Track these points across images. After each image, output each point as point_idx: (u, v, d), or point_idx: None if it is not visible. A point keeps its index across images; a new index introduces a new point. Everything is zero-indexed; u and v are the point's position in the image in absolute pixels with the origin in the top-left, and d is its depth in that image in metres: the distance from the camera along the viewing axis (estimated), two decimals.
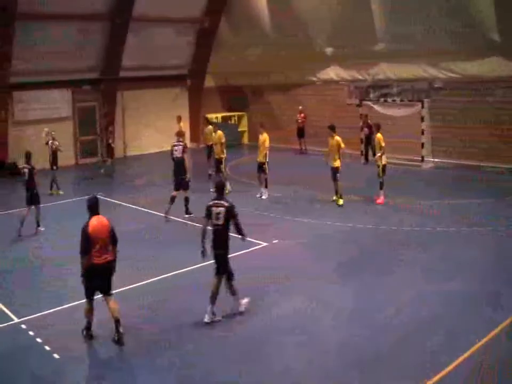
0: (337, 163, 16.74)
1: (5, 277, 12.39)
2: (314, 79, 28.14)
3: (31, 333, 9.60)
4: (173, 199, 16.69)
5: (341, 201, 17.01)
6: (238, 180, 21.72)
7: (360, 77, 26.28)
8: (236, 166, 25.07)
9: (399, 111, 23.35)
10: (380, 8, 23.66)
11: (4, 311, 10.48)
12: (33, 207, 15.75)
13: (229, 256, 9.87)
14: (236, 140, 31.14)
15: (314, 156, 25.55)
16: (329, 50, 26.59)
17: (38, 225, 15.99)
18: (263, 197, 18.54)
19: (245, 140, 32.16)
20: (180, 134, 17.74)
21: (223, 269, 9.76)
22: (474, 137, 21.76)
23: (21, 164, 24.62)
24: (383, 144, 16.91)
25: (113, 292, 9.43)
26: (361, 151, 24.67)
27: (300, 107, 27.34)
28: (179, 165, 16.76)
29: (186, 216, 16.79)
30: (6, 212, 18.20)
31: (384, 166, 17.03)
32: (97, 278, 9.16)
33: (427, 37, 21.99)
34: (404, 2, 22.45)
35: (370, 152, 24.03)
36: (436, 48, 22.05)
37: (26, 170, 15.79)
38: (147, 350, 8.96)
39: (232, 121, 31.89)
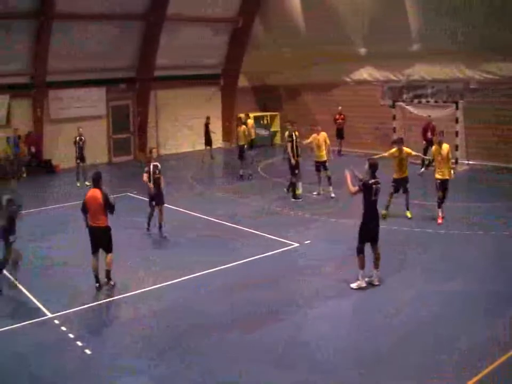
0: (407, 173, 15.93)
1: (38, 273, 12.55)
2: (347, 79, 27.98)
3: (63, 328, 9.73)
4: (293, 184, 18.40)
5: (409, 214, 16.00)
6: (271, 180, 21.94)
7: (394, 78, 26.03)
8: (270, 166, 25.14)
9: (432, 112, 23.09)
10: (415, 8, 23.40)
11: (38, 306, 10.65)
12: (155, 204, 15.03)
13: None
14: (268, 140, 31.28)
15: (350, 156, 25.42)
16: (363, 50, 26.41)
17: (160, 229, 14.98)
18: (332, 195, 18.43)
19: (278, 140, 32.12)
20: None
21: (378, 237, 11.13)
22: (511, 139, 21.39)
23: (56, 161, 25.45)
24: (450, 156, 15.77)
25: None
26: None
27: (339, 107, 26.79)
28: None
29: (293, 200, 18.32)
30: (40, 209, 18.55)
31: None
32: (94, 237, 11.28)
33: (463, 38, 21.63)
34: (439, 3, 22.16)
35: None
36: (472, 48, 21.73)
37: (155, 169, 15.03)
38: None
39: (265, 121, 31.90)
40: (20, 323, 9.88)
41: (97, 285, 11.30)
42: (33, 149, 24.90)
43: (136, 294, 11.19)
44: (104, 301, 10.88)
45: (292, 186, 18.56)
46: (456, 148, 22.35)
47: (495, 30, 20.75)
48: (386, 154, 16.17)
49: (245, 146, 22.25)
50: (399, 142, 16.03)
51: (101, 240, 11.28)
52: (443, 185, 15.31)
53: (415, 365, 8.23)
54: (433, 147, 15.89)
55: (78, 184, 21.98)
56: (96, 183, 11.37)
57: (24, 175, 24.21)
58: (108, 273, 11.44)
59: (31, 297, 11.07)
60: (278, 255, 13.34)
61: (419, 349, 8.64)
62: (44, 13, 23.17)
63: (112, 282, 11.45)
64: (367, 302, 10.53)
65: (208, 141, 26.86)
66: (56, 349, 9.10)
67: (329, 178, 18.52)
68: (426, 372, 8.00)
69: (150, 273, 12.16)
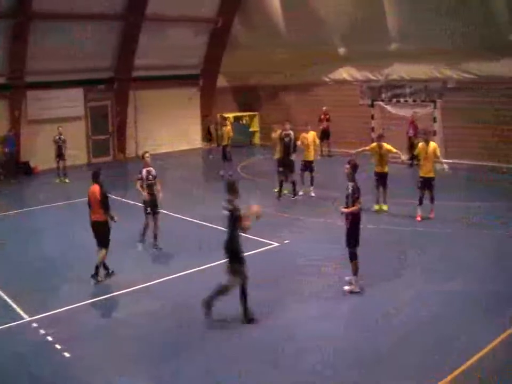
0: (387, 168, 16.31)
1: (15, 275, 12.38)
2: (326, 79, 28.02)
3: (42, 331, 9.61)
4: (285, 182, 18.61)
5: (385, 207, 16.47)
6: (252, 179, 21.89)
7: (373, 77, 26.14)
8: (249, 166, 25.07)
9: (411, 111, 23.25)
10: (393, 8, 23.50)
11: (15, 310, 10.50)
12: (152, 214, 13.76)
13: None
14: (247, 140, 31.21)
15: (335, 157, 25.42)
16: (342, 50, 26.48)
17: (155, 240, 13.80)
18: (312, 194, 18.58)
19: (256, 140, 32.10)
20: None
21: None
22: (489, 138, 21.43)
23: (34, 163, 25.17)
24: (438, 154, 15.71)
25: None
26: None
27: (324, 108, 26.41)
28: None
29: (292, 198, 18.53)
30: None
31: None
32: (93, 230, 11.80)
33: (441, 37, 21.69)
34: (417, 2, 22.29)
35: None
36: (450, 48, 21.85)
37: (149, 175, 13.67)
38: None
39: (244, 121, 31.86)
40: None
41: (97, 278, 11.70)
42: (6, 150, 24.44)
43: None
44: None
45: (279, 185, 18.57)
46: None
47: (481, 29, 20.81)
48: (367, 148, 16.74)
49: (228, 146, 22.14)
50: (379, 137, 16.48)
51: (98, 233, 11.71)
52: (426, 184, 15.30)
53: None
54: (420, 144, 15.84)
55: (57, 181, 22.62)
56: (95, 179, 11.79)
57: (2, 177, 23.79)
58: (97, 268, 11.70)
59: (8, 299, 10.91)
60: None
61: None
62: (22, 13, 22.92)
63: (102, 275, 11.81)
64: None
65: (208, 138, 28.17)
66: (34, 353, 8.96)
67: (312, 178, 18.57)
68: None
69: (140, 274, 12.05)
